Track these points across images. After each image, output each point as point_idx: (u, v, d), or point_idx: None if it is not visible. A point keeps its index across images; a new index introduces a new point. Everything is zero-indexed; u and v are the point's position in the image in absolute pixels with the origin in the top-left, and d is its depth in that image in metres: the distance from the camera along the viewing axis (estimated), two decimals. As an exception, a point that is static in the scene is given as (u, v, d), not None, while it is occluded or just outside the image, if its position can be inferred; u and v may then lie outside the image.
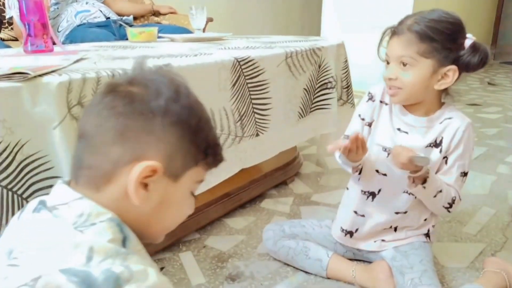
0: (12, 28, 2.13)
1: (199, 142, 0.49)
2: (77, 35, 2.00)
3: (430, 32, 0.80)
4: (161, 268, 1.03)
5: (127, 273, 0.39)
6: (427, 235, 0.95)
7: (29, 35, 1.14)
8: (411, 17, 0.84)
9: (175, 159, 0.47)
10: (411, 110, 0.90)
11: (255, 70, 1.12)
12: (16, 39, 2.09)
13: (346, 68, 1.52)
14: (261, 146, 1.18)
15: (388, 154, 0.89)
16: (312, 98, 1.36)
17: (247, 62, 1.10)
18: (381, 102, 0.94)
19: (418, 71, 0.83)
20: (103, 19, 2.17)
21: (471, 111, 2.60)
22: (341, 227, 1.00)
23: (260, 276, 1.01)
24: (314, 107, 1.38)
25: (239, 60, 1.07)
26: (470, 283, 0.91)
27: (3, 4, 2.07)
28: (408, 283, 0.85)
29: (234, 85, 1.06)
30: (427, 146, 0.88)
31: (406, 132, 0.90)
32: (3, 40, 2.05)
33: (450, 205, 0.88)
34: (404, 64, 0.83)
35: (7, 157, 0.65)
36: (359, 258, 1.03)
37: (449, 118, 0.88)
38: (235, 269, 1.04)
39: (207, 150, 0.50)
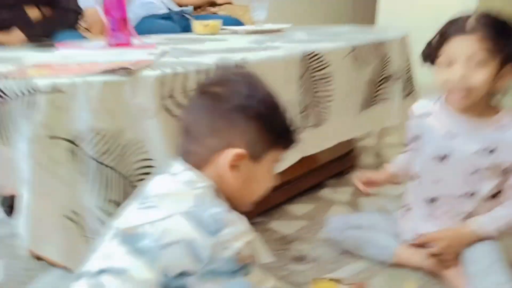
0: (84, 20, 2.28)
1: (275, 129, 0.62)
2: (143, 28, 2.11)
3: (499, 30, 0.80)
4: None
5: (227, 218, 0.55)
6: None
7: (112, 29, 1.24)
8: (468, 16, 0.83)
9: (256, 145, 0.60)
10: (463, 112, 0.89)
11: (321, 63, 1.16)
12: (87, 30, 2.25)
13: (409, 60, 1.51)
14: (320, 136, 1.21)
15: (439, 161, 0.92)
16: (374, 90, 1.37)
17: (314, 56, 1.13)
18: (421, 115, 0.97)
19: (489, 70, 0.82)
20: (166, 10, 2.27)
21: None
22: (412, 231, 1.01)
23: (324, 260, 1.06)
24: (377, 99, 1.39)
25: (306, 54, 1.11)
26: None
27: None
28: (479, 271, 0.87)
29: (301, 78, 1.11)
30: (476, 151, 0.87)
31: (456, 136, 0.90)
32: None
33: None
34: (477, 63, 0.81)
35: (113, 142, 0.74)
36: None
37: (506, 130, 0.87)
38: (299, 252, 1.09)
39: (282, 135, 0.63)
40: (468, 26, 0.82)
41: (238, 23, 2.19)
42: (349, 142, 1.63)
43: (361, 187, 1.10)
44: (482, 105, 0.88)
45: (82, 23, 2.23)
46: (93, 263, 0.55)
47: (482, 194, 0.91)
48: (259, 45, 1.20)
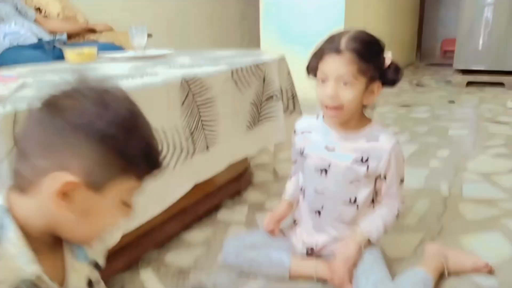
0: None
1: (126, 154, 0.51)
2: (8, 58, 1.91)
3: (366, 52, 0.88)
4: (122, 290, 1.03)
5: None
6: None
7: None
8: (341, 36, 0.89)
9: (96, 172, 0.50)
10: (338, 128, 0.97)
11: (203, 87, 1.16)
12: None
13: (290, 79, 1.60)
14: (212, 159, 1.21)
15: (321, 173, 0.98)
16: (259, 110, 1.42)
17: (194, 81, 1.13)
18: (302, 132, 1.03)
19: (357, 89, 0.89)
20: (35, 40, 2.09)
21: (403, 112, 2.81)
22: (303, 243, 1.06)
23: (223, 286, 1.03)
24: (262, 118, 1.44)
25: (186, 79, 1.10)
26: (413, 268, 1.00)
27: None
28: (360, 273, 0.93)
29: (183, 103, 1.09)
30: (352, 162, 0.95)
31: (334, 149, 0.97)
32: None
33: (397, 216, 1.01)
34: (345, 83, 0.88)
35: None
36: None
37: (376, 141, 0.95)
38: (198, 282, 1.05)
39: (135, 162, 0.52)
40: (340, 47, 0.88)
41: (121, 50, 2.11)
42: (243, 161, 1.66)
43: (270, 230, 1.10)
44: (355, 119, 0.96)
45: None
46: None
47: (361, 201, 0.98)
48: (138, 72, 1.15)
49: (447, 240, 1.21)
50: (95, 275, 0.62)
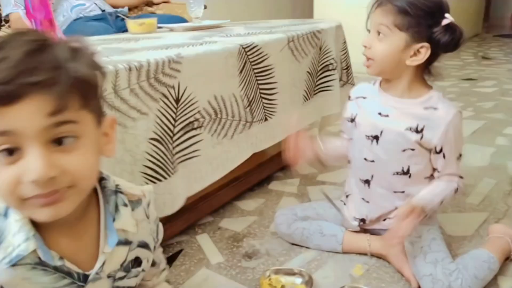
0: (9, 26, 2.13)
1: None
2: (75, 30, 2.01)
3: (408, 6, 0.83)
4: (180, 250, 1.08)
5: None
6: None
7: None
8: None
9: None
10: (389, 90, 0.93)
11: (260, 55, 1.15)
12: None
13: (345, 49, 1.55)
14: (270, 130, 1.21)
15: (372, 141, 0.93)
16: (315, 80, 1.39)
17: (251, 48, 1.12)
18: (357, 98, 0.99)
19: (391, 43, 0.85)
20: (99, 12, 2.17)
21: (467, 86, 2.64)
22: (354, 217, 1.03)
23: (275, 253, 1.05)
24: (318, 89, 1.41)
25: (244, 46, 1.10)
26: (476, 249, 0.95)
27: (-1, 2, 2.06)
28: (418, 251, 0.90)
29: (241, 71, 1.09)
30: (406, 129, 0.90)
31: (387, 115, 0.92)
32: (2, 37, 2.05)
33: (456, 191, 0.92)
34: (379, 34, 0.86)
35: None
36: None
37: (435, 109, 0.89)
38: (251, 247, 1.08)
39: None
40: (383, 0, 0.86)
41: (181, 20, 2.14)
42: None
43: (289, 158, 0.99)
44: (407, 83, 0.90)
45: (7, 30, 2.08)
46: None
47: (414, 172, 0.93)
48: (197, 41, 1.17)
49: (513, 221, 1.14)
50: (145, 254, 0.63)
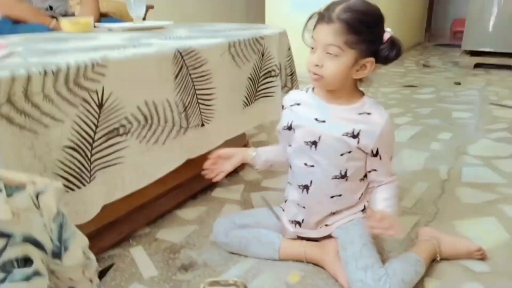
0: None
1: None
2: (4, 28, 1.86)
3: (358, 24, 0.83)
4: (111, 265, 1.02)
5: None
6: (363, 211, 1.01)
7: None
8: (338, 4, 0.85)
9: None
10: (329, 100, 0.93)
11: (198, 60, 1.12)
12: None
13: (289, 55, 1.55)
14: (207, 136, 1.18)
15: (311, 146, 0.94)
16: (256, 86, 1.38)
17: (189, 53, 1.09)
18: (291, 106, 0.99)
19: (342, 61, 0.85)
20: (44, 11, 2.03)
21: (408, 93, 2.75)
22: (289, 220, 1.05)
23: (213, 264, 1.03)
24: (259, 95, 1.40)
25: (180, 51, 1.06)
26: (405, 252, 0.98)
27: None
28: (350, 256, 0.91)
29: (176, 76, 1.06)
30: (343, 134, 0.91)
31: (324, 121, 0.93)
32: None
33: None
34: (330, 53, 0.85)
35: None
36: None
37: (368, 114, 0.91)
38: (188, 259, 1.05)
39: None
40: (332, 16, 0.84)
41: (121, 22, 2.05)
42: (241, 139, 1.63)
43: (208, 171, 1.05)
44: (347, 92, 0.92)
45: None
46: None
47: (351, 175, 0.95)
48: (131, 42, 1.12)
49: (442, 223, 1.19)
50: (37, 254, 0.54)
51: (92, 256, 0.60)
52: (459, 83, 3.04)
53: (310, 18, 0.91)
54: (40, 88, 0.71)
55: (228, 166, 1.05)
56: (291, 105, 0.99)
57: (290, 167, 1.03)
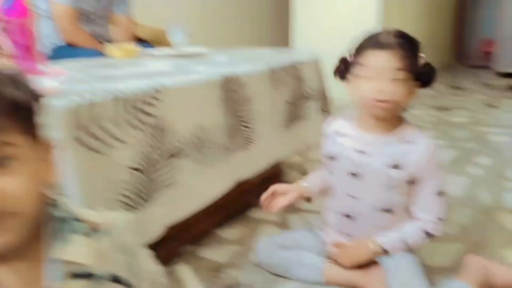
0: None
1: None
2: (62, 54, 1.97)
3: (412, 48, 0.86)
4: (159, 283, 1.05)
5: None
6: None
7: (18, 56, 1.14)
8: (383, 33, 0.88)
9: None
10: (373, 129, 0.93)
11: (241, 85, 1.17)
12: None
13: (324, 80, 1.59)
14: (252, 157, 1.22)
15: (354, 178, 0.95)
16: (295, 109, 1.41)
17: (233, 79, 1.14)
18: (333, 134, 1.00)
19: (408, 85, 0.87)
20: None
21: (441, 116, 2.72)
22: (331, 242, 1.04)
23: (258, 285, 1.04)
24: (298, 118, 1.43)
25: (226, 76, 1.11)
26: (454, 279, 0.96)
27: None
28: (398, 285, 0.90)
29: (223, 100, 1.10)
30: (387, 166, 0.91)
31: (367, 153, 0.94)
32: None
33: (428, 234, 0.95)
34: (396, 78, 0.85)
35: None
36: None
37: (412, 142, 0.91)
38: (233, 279, 1.06)
39: None
40: (386, 42, 0.85)
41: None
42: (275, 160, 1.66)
43: (265, 204, 1.06)
44: (393, 119, 0.93)
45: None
46: None
47: (398, 208, 0.95)
48: (179, 69, 1.18)
49: (489, 252, 1.16)
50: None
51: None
52: (492, 106, 2.98)
53: (350, 51, 0.91)
54: (108, 112, 0.76)
55: (285, 202, 1.06)
56: (334, 134, 1.01)
57: (332, 193, 1.04)
